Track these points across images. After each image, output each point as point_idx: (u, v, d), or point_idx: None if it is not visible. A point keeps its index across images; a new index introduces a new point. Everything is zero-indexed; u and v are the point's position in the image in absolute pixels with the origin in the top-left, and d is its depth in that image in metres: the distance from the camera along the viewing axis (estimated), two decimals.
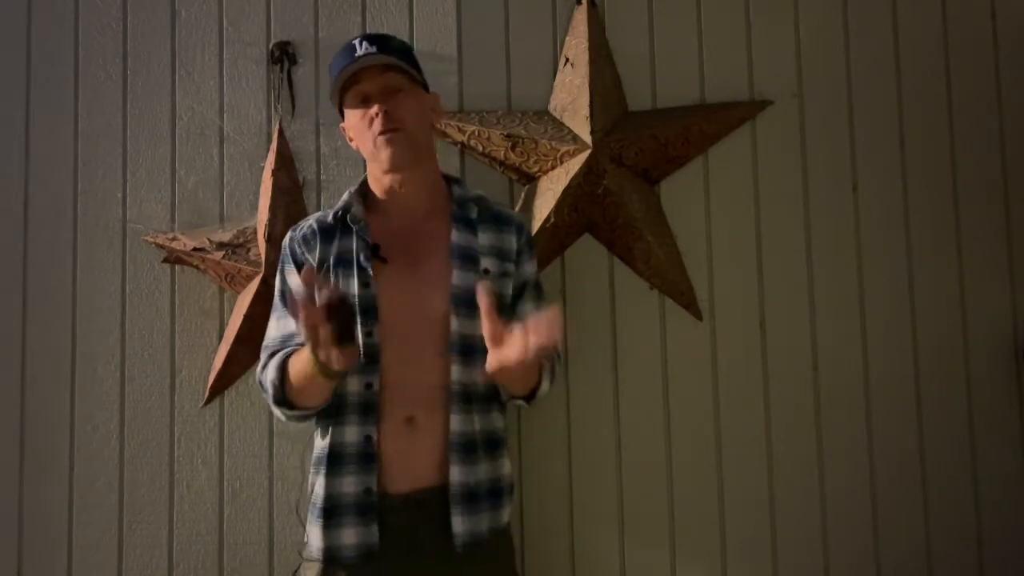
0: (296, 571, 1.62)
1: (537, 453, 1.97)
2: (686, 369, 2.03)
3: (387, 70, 1.60)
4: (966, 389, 2.06)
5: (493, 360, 1.42)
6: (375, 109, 1.58)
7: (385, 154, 1.59)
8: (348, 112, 1.65)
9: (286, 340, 1.60)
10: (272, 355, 1.59)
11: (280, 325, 1.63)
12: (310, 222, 1.68)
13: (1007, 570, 2.03)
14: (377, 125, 1.58)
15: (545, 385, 1.63)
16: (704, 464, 2.01)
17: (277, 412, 1.60)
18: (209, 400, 2.02)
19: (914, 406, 2.05)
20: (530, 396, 1.63)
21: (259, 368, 1.63)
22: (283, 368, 1.54)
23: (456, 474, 1.56)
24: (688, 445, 2.01)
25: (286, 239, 1.68)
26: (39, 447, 2.03)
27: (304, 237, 1.65)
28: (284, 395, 1.54)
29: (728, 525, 2.00)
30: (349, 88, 1.61)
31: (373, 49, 1.59)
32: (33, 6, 2.13)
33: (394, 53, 1.61)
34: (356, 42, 1.62)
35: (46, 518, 2.02)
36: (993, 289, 2.09)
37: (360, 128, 1.62)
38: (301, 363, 1.49)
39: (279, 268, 1.67)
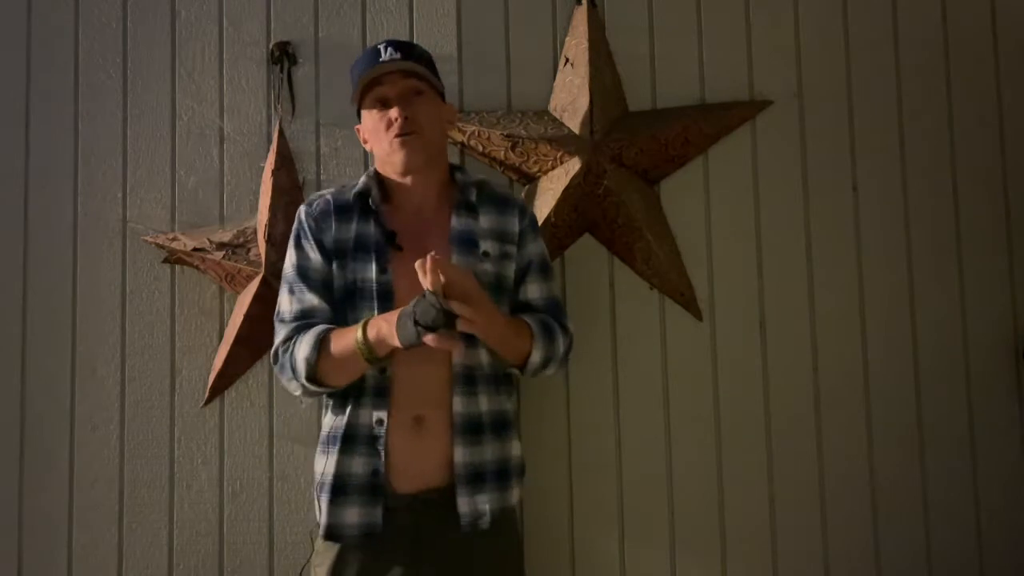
0: (310, 558, 1.65)
1: (537, 453, 1.96)
2: (686, 369, 2.03)
3: (408, 76, 1.63)
4: (966, 389, 2.06)
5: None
6: (394, 112, 1.61)
7: (399, 156, 1.62)
8: (365, 114, 1.68)
9: (305, 315, 1.62)
10: (298, 329, 1.60)
11: (296, 299, 1.64)
12: (325, 196, 1.69)
13: (1007, 570, 2.03)
14: (395, 128, 1.61)
15: (536, 356, 1.63)
16: (704, 464, 2.01)
17: (295, 386, 1.61)
18: (209, 400, 2.02)
19: (914, 406, 2.05)
20: (523, 365, 1.65)
21: (278, 341, 1.62)
22: (317, 347, 1.55)
23: (460, 455, 1.58)
24: (688, 445, 2.01)
25: (301, 213, 1.68)
26: (39, 447, 2.03)
27: (322, 213, 1.66)
28: (316, 372, 1.56)
29: (728, 525, 2.00)
30: (369, 91, 1.64)
31: (398, 55, 1.63)
32: (33, 6, 2.13)
33: (417, 60, 1.65)
34: (381, 47, 1.65)
35: (46, 518, 2.02)
36: (993, 289, 2.09)
37: (376, 130, 1.65)
38: (346, 344, 1.53)
39: (295, 240, 1.67)
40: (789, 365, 2.04)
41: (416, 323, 1.43)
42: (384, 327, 1.49)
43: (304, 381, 1.58)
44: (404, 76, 1.63)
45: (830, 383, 2.04)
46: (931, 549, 2.02)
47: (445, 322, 1.41)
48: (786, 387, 2.03)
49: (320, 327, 1.59)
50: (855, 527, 2.02)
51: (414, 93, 1.63)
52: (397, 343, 1.47)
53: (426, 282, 1.44)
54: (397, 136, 1.61)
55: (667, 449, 2.01)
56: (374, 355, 1.51)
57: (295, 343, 1.59)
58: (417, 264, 1.45)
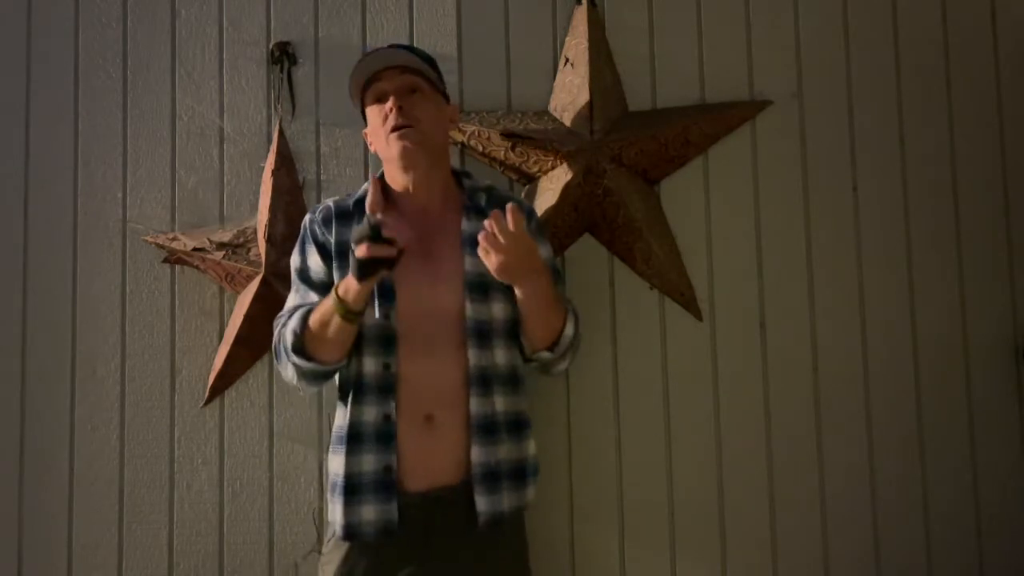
0: (320, 548, 1.66)
1: (537, 453, 1.96)
2: (686, 369, 2.03)
3: (407, 71, 1.63)
4: (966, 389, 2.06)
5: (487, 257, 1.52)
6: (390, 104, 1.61)
7: (396, 149, 1.62)
8: (367, 113, 1.68)
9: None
10: (291, 316, 1.62)
11: (299, 297, 1.67)
12: (328, 204, 1.71)
13: (1007, 570, 2.03)
14: (391, 121, 1.61)
15: (569, 329, 1.66)
16: (704, 464, 2.01)
17: (290, 369, 1.62)
18: (209, 400, 2.02)
19: (914, 406, 2.05)
20: (553, 345, 1.66)
21: (276, 332, 1.64)
22: (304, 318, 1.57)
23: (477, 455, 1.58)
24: (688, 445, 2.01)
25: (307, 220, 1.71)
26: (39, 447, 2.03)
27: (324, 219, 1.68)
28: (303, 343, 1.57)
29: (728, 525, 2.00)
30: (369, 87, 1.64)
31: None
32: (33, 6, 2.13)
33: (418, 59, 1.65)
34: (382, 50, 1.67)
35: (46, 518, 2.02)
36: (993, 289, 2.09)
37: (376, 127, 1.66)
38: (325, 307, 1.54)
39: (299, 245, 1.70)
40: (789, 365, 2.04)
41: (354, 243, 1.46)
42: (349, 278, 1.50)
43: (293, 355, 1.57)
44: (402, 72, 1.63)
45: (830, 383, 2.04)
46: (931, 549, 2.02)
47: (372, 233, 1.42)
48: (786, 387, 2.03)
49: (308, 305, 1.60)
50: (855, 527, 2.02)
51: (411, 89, 1.64)
52: (356, 284, 1.47)
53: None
54: (394, 130, 1.61)
55: (667, 449, 2.01)
56: (346, 307, 1.50)
57: (286, 325, 1.61)
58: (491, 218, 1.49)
